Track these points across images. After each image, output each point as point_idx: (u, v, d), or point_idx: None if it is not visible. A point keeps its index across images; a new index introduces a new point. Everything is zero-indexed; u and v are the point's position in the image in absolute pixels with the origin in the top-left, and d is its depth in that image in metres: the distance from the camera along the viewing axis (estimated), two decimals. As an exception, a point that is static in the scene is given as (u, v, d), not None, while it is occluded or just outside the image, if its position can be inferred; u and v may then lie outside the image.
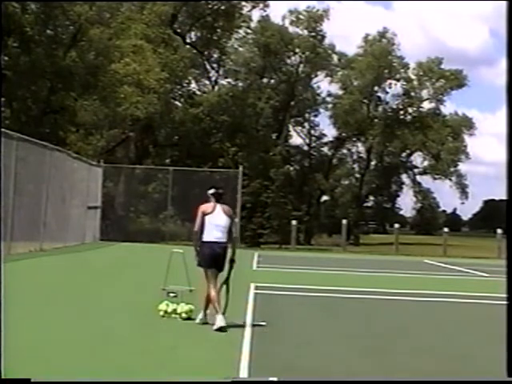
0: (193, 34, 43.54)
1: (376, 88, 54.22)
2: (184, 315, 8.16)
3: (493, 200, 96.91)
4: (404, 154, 58.00)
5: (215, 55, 45.70)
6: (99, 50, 30.00)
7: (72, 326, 7.54)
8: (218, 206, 7.92)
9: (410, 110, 55.25)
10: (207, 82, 46.91)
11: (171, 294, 8.65)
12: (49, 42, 29.45)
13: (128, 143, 38.29)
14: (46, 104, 29.51)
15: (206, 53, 43.95)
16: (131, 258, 20.08)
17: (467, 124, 55.87)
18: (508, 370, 5.01)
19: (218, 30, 41.81)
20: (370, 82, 52.69)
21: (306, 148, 56.48)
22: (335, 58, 53.64)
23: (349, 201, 57.76)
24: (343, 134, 55.42)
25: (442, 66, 54.15)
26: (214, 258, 7.80)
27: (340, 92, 54.71)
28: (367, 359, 6.54)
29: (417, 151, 56.92)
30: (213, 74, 47.23)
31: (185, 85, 42.08)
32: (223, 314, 7.63)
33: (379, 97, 55.29)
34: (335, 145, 56.26)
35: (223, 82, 47.26)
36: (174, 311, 8.24)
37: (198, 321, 7.91)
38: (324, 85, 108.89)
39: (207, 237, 7.81)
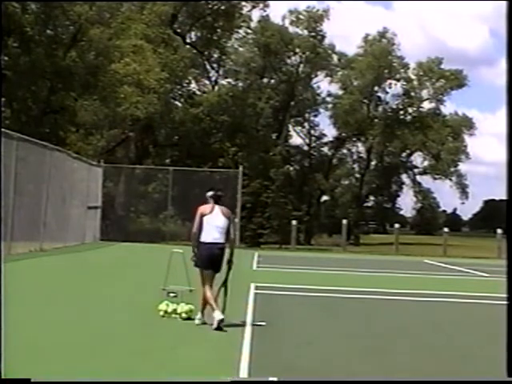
0: (193, 33, 43.56)
1: (376, 88, 54.25)
2: (184, 315, 8.16)
3: (493, 200, 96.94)
4: (404, 154, 58.02)
5: (215, 55, 45.69)
6: (99, 50, 30.00)
7: (72, 326, 7.54)
8: (217, 207, 7.94)
9: (410, 110, 55.27)
10: (207, 82, 46.94)
11: (171, 294, 8.65)
12: (49, 42, 29.45)
13: (128, 143, 38.29)
14: (46, 104, 29.51)
15: (206, 53, 43.94)
16: (131, 258, 20.08)
17: (467, 124, 55.89)
18: (508, 369, 5.01)
19: (218, 30, 41.81)
20: (370, 81, 52.70)
21: (306, 148, 56.53)
22: (335, 58, 53.68)
23: (349, 201, 57.78)
24: (343, 134, 55.43)
25: (442, 66, 54.23)
26: (211, 259, 7.82)
27: (340, 92, 54.76)
28: (367, 359, 6.54)
29: (417, 151, 56.95)
30: (213, 74, 47.30)
31: (185, 85, 42.08)
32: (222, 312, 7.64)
33: (379, 97, 55.35)
34: (335, 145, 56.27)
35: (223, 82, 47.31)
36: (174, 311, 8.24)
37: (197, 321, 7.91)
38: (324, 85, 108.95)
39: (205, 237, 7.83)
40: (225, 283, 7.94)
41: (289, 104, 51.29)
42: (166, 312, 8.25)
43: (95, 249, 22.38)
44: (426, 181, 60.53)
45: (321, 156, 56.82)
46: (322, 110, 55.77)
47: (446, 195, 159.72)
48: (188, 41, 42.42)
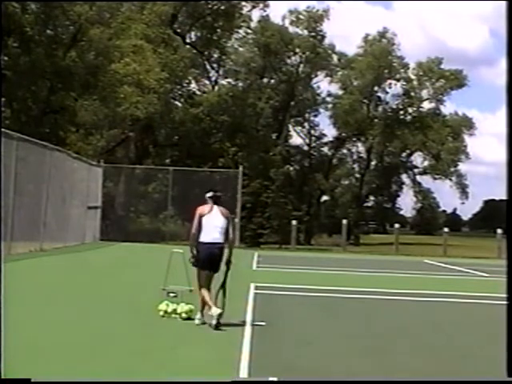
0: (193, 33, 43.56)
1: (376, 88, 54.26)
2: (184, 315, 8.16)
3: (493, 200, 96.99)
4: (404, 154, 58.02)
5: (215, 55, 45.69)
6: (99, 50, 30.00)
7: (72, 326, 7.54)
8: (216, 208, 7.98)
9: (410, 110, 55.28)
10: (207, 82, 46.94)
11: (171, 294, 8.65)
12: (49, 41, 29.45)
13: (128, 143, 38.29)
14: (45, 104, 29.51)
15: (206, 53, 43.94)
16: (131, 258, 20.08)
17: (467, 124, 55.90)
18: (508, 369, 5.01)
19: (218, 30, 41.81)
20: (370, 81, 52.71)
21: (306, 148, 56.55)
22: (335, 58, 53.69)
23: (349, 201, 57.79)
24: (343, 134, 55.44)
25: (442, 66, 54.24)
26: (210, 259, 7.83)
27: (340, 92, 54.77)
28: (367, 359, 6.54)
29: (417, 151, 56.96)
30: (213, 73, 47.31)
31: (185, 85, 42.07)
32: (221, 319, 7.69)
33: (379, 97, 55.36)
34: (335, 145, 56.28)
35: (223, 82, 47.32)
36: (174, 311, 8.24)
37: (197, 321, 7.92)
38: (324, 85, 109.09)
39: (205, 237, 7.84)
40: (223, 284, 7.95)
41: (289, 104, 51.29)
42: (165, 312, 8.25)
43: (95, 249, 22.38)
44: (426, 181, 60.64)
45: (321, 156, 56.82)
46: (322, 110, 55.88)
47: (445, 195, 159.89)
48: (188, 41, 42.42)
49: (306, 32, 50.36)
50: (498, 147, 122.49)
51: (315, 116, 56.42)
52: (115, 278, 13.37)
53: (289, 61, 51.68)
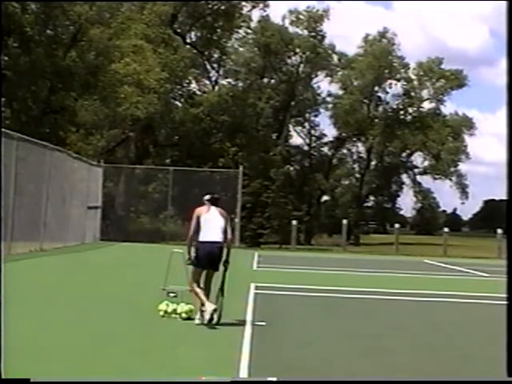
0: (193, 33, 43.54)
1: (376, 88, 54.25)
2: (184, 315, 8.16)
3: (493, 200, 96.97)
4: (404, 154, 58.01)
5: (215, 55, 45.68)
6: (99, 50, 30.00)
7: (72, 326, 7.54)
8: (213, 208, 8.04)
9: (410, 109, 55.27)
10: (207, 82, 46.94)
11: (171, 294, 8.65)
12: (49, 41, 29.45)
13: (128, 143, 38.29)
14: (46, 104, 29.51)
15: (206, 53, 43.93)
16: (131, 258, 20.09)
17: (467, 124, 55.89)
18: (508, 370, 5.01)
19: (218, 30, 41.80)
20: (370, 81, 52.71)
21: (306, 148, 56.54)
22: (335, 57, 53.68)
23: (349, 201, 57.79)
24: (343, 134, 55.43)
25: (442, 66, 54.22)
26: (210, 258, 7.86)
27: (340, 92, 54.76)
28: (367, 359, 6.54)
29: (417, 151, 56.94)
30: (213, 73, 47.30)
31: (185, 85, 42.07)
32: (218, 319, 7.76)
33: (379, 97, 55.35)
34: (335, 145, 56.28)
35: (223, 82, 47.32)
36: (174, 311, 8.24)
37: (197, 321, 7.92)
38: (324, 85, 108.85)
39: (204, 237, 7.87)
40: (222, 284, 7.98)
41: (289, 104, 51.29)
42: (165, 312, 8.25)
43: (95, 249, 22.38)
44: (426, 181, 60.62)
45: (321, 156, 56.82)
46: (322, 110, 55.86)
47: (445, 195, 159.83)
48: (188, 41, 42.41)
49: (306, 32, 50.36)
50: (498, 147, 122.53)
51: (315, 116, 56.49)
52: (115, 278, 13.37)
53: (289, 61, 51.68)
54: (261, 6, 43.89)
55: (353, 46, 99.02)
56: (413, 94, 54.82)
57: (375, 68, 51.66)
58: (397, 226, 31.67)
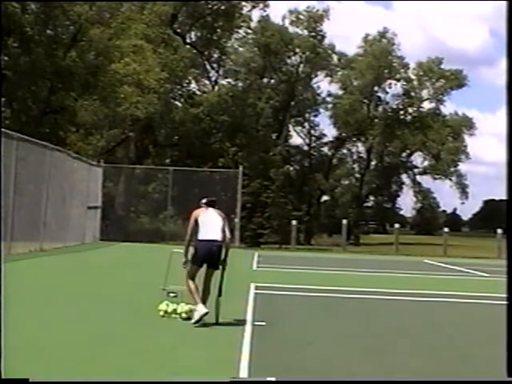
0: (193, 33, 43.56)
1: (376, 88, 54.26)
2: (184, 315, 8.15)
3: (493, 200, 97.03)
4: (404, 154, 58.03)
5: (215, 55, 45.69)
6: (99, 50, 30.00)
7: (72, 326, 7.54)
8: (211, 209, 8.13)
9: (410, 109, 55.29)
10: (207, 82, 46.95)
11: (171, 294, 8.64)
12: (49, 41, 29.44)
13: (128, 143, 38.29)
14: (46, 104, 29.51)
15: (206, 53, 43.94)
16: (131, 258, 20.09)
17: (467, 124, 55.91)
18: (508, 369, 5.01)
19: (218, 30, 41.81)
20: (370, 81, 52.72)
21: (306, 148, 56.55)
22: (335, 58, 53.70)
23: (349, 201, 57.79)
24: (343, 134, 55.44)
25: (442, 66, 54.25)
26: (209, 256, 7.89)
27: (340, 92, 54.78)
28: (367, 359, 6.54)
29: (417, 151, 56.97)
30: (213, 73, 47.31)
31: (185, 85, 42.08)
32: (216, 320, 7.80)
33: (379, 97, 55.38)
34: (335, 145, 56.28)
35: (223, 82, 47.33)
36: (174, 311, 8.24)
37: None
38: (324, 85, 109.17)
39: (203, 236, 7.92)
40: (220, 284, 7.99)
41: (289, 104, 51.29)
42: (165, 312, 8.25)
43: (95, 249, 22.38)
44: (426, 181, 60.67)
45: (321, 156, 56.83)
46: (322, 110, 55.89)
47: (445, 195, 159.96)
48: (188, 41, 42.42)
49: (305, 32, 50.37)
50: (498, 147, 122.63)
51: (315, 116, 56.52)
52: (115, 278, 13.37)
53: (289, 61, 51.69)
54: (261, 5, 43.93)
55: (353, 46, 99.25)
56: (413, 94, 54.83)
57: (375, 68, 51.67)
58: (397, 225, 31.66)
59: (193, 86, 44.07)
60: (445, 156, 54.19)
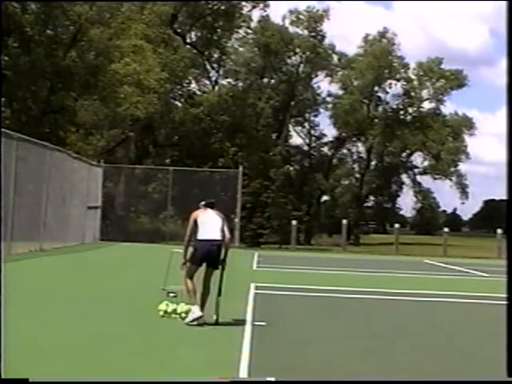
0: (193, 33, 43.55)
1: (376, 88, 54.26)
2: (184, 315, 8.15)
3: (493, 200, 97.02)
4: (404, 154, 58.02)
5: (215, 55, 45.68)
6: (99, 50, 30.00)
7: (72, 326, 7.54)
8: (210, 210, 8.15)
9: (410, 109, 55.28)
10: (207, 82, 46.94)
11: (171, 294, 8.64)
12: (49, 41, 29.44)
13: (128, 143, 38.29)
14: (46, 104, 29.51)
15: (206, 53, 43.93)
16: (131, 258, 20.09)
17: (467, 124, 55.90)
18: (508, 369, 5.01)
19: (218, 30, 41.80)
20: (370, 81, 52.71)
21: (306, 148, 56.54)
22: (335, 57, 53.69)
23: (349, 201, 57.79)
24: (343, 134, 55.44)
25: (442, 66, 54.24)
26: (208, 256, 7.89)
27: (340, 92, 54.77)
28: (367, 359, 6.54)
29: (417, 151, 56.97)
30: (213, 73, 47.30)
31: (185, 85, 42.07)
32: (216, 319, 7.83)
33: (379, 97, 55.36)
34: (335, 145, 56.28)
35: (223, 82, 47.32)
36: (174, 311, 8.24)
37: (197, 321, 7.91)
38: (324, 85, 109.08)
39: (202, 235, 7.93)
40: (220, 284, 8.00)
41: (289, 104, 51.29)
42: (165, 312, 8.25)
43: (95, 249, 22.38)
44: (426, 181, 60.65)
45: (321, 156, 56.82)
46: (322, 110, 55.87)
47: (445, 195, 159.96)
48: (188, 41, 42.41)
49: (306, 32, 50.36)
50: (498, 147, 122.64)
51: (315, 116, 56.50)
52: (115, 278, 13.38)
53: (289, 61, 51.68)
54: (261, 5, 43.91)
55: (353, 45, 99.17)
56: (413, 93, 54.83)
57: (375, 68, 51.66)
58: (397, 226, 31.66)
59: (193, 85, 44.13)
60: (445, 156, 54.19)
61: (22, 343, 6.38)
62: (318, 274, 16.73)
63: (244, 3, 41.92)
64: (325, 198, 60.02)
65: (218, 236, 7.93)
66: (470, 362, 6.75)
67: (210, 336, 7.31)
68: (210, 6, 40.65)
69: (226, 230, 8.06)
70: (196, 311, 7.80)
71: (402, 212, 76.25)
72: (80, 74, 29.33)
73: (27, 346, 6.34)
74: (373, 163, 57.79)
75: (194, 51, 42.14)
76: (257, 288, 11.73)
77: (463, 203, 63.49)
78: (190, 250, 8.08)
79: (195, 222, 8.01)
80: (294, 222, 29.69)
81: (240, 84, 47.53)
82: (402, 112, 55.11)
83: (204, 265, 8.00)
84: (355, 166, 59.16)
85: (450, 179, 56.80)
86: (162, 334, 7.41)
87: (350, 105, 52.07)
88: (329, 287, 12.54)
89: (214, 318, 7.86)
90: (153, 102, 31.03)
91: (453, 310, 10.78)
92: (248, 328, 7.69)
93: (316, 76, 53.36)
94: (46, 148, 19.61)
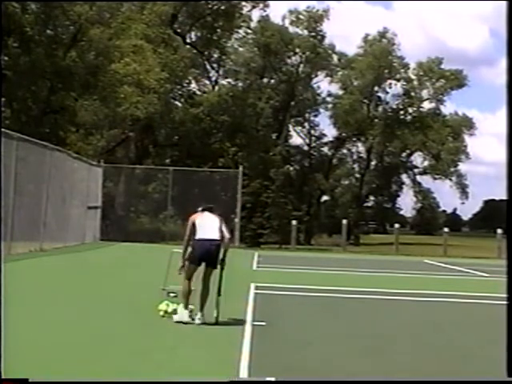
0: (193, 33, 43.55)
1: (376, 88, 54.24)
2: (186, 315, 8.16)
3: (493, 200, 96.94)
4: (404, 154, 58.00)
5: (215, 55, 45.69)
6: (99, 50, 30.01)
7: (72, 326, 7.54)
8: (207, 213, 8.19)
9: (410, 109, 55.27)
10: (207, 82, 46.95)
11: (171, 294, 8.65)
12: (49, 41, 29.45)
13: (128, 143, 38.29)
14: (46, 104, 29.51)
15: (206, 53, 43.94)
16: (131, 258, 20.09)
17: (467, 124, 55.89)
18: (508, 369, 5.01)
19: (218, 30, 41.80)
20: (370, 81, 52.70)
21: (306, 148, 56.53)
22: (335, 57, 53.67)
23: (349, 201, 57.76)
24: (343, 134, 55.43)
25: (442, 66, 54.22)
26: (207, 255, 7.91)
27: (340, 92, 54.76)
28: (367, 359, 6.54)
29: (417, 151, 56.94)
30: (213, 73, 47.31)
31: (185, 85, 42.09)
32: (216, 319, 7.87)
33: (379, 97, 55.35)
34: (335, 145, 56.27)
35: (223, 82, 47.32)
36: (174, 311, 8.23)
37: (197, 321, 7.91)
38: (324, 85, 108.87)
39: (200, 235, 7.96)
40: (219, 284, 8.01)
41: (289, 104, 51.28)
42: (165, 312, 8.25)
43: (95, 249, 22.38)
44: (426, 181, 60.60)
45: (321, 156, 56.82)
46: (322, 110, 55.84)
47: (445, 195, 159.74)
48: (188, 41, 42.41)
49: (306, 32, 50.35)
50: (498, 147, 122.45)
51: (315, 116, 56.47)
52: (115, 278, 13.38)
53: (289, 61, 51.67)
54: (261, 5, 43.92)
55: (353, 46, 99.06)
56: (413, 93, 54.82)
57: (375, 68, 51.65)
58: (397, 226, 31.65)
59: (193, 85, 44.14)
60: (445, 156, 54.17)
61: (22, 343, 6.38)
62: (317, 274, 16.73)
63: (244, 3, 41.93)
64: (325, 197, 60.07)
65: (216, 236, 7.96)
66: (470, 362, 6.75)
67: (210, 336, 7.31)
68: (209, 6, 40.65)
69: (224, 229, 8.09)
70: (183, 315, 7.90)
71: (402, 212, 76.26)
72: (80, 74, 29.34)
73: (27, 346, 6.34)
74: (373, 163, 57.79)
75: (194, 51, 42.14)
76: (257, 288, 11.73)
77: (463, 203, 63.42)
78: (189, 250, 8.09)
79: (193, 224, 8.04)
80: (294, 222, 29.68)
81: (240, 84, 47.53)
82: (402, 112, 55.10)
83: (203, 265, 8.02)
84: (355, 166, 59.18)
85: (450, 179, 56.81)
86: (162, 333, 7.41)
87: (350, 105, 52.06)
88: (329, 287, 12.54)
89: (215, 315, 7.85)
90: (153, 102, 31.04)
91: (453, 310, 10.78)
92: (248, 328, 7.69)
93: (316, 76, 53.39)
94: (46, 148, 19.61)
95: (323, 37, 50.56)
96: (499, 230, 28.23)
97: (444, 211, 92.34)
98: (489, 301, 11.61)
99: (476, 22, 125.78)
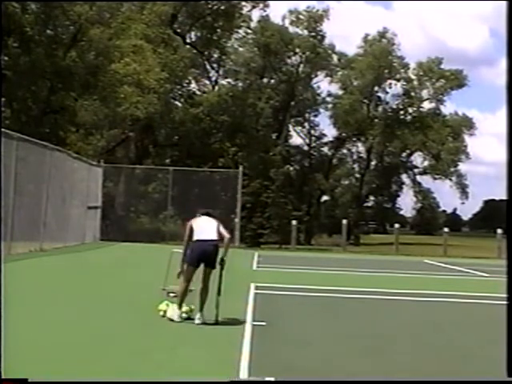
0: (193, 33, 43.57)
1: (376, 88, 54.27)
2: (184, 315, 8.15)
3: (493, 200, 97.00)
4: (404, 154, 58.03)
5: (215, 55, 45.71)
6: (99, 50, 30.00)
7: (72, 326, 7.54)
8: (204, 216, 8.25)
9: (410, 109, 55.29)
10: (207, 82, 46.96)
11: (171, 294, 8.65)
12: (49, 42, 29.45)
13: (128, 143, 38.30)
14: (46, 104, 29.51)
15: (206, 53, 43.96)
16: (131, 258, 20.08)
17: (467, 124, 55.92)
18: (508, 370, 5.01)
19: (218, 30, 41.82)
20: (370, 81, 52.72)
21: (306, 148, 56.56)
22: (335, 58, 53.71)
23: (349, 201, 57.79)
24: (343, 134, 55.45)
25: (442, 66, 54.26)
26: (204, 256, 7.93)
27: (340, 92, 54.79)
28: (367, 359, 6.54)
29: (417, 151, 56.98)
30: (213, 73, 47.33)
31: (185, 85, 42.10)
32: (215, 319, 7.87)
33: (379, 97, 55.38)
34: (335, 145, 56.29)
35: (223, 82, 47.35)
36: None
37: (197, 321, 7.91)
38: (324, 85, 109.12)
39: (198, 236, 8.00)
40: (219, 283, 8.01)
41: (289, 104, 51.29)
42: (166, 312, 8.25)
43: (95, 249, 22.37)
44: (426, 181, 60.65)
45: (321, 156, 56.84)
46: (322, 110, 55.91)
47: (445, 195, 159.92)
48: (188, 41, 42.43)
49: (306, 32, 50.38)
50: (498, 147, 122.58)
51: (315, 116, 56.53)
52: (115, 278, 13.37)
53: (289, 61, 51.69)
54: (261, 5, 43.95)
55: (353, 46, 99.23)
56: (413, 93, 54.84)
57: (375, 68, 51.67)
58: (397, 226, 31.63)
59: (193, 86, 44.16)
60: (445, 156, 54.19)
61: (22, 343, 6.38)
62: (318, 274, 16.72)
63: (244, 3, 41.95)
64: (325, 198, 60.10)
65: (213, 236, 7.99)
66: (470, 362, 6.75)
67: (210, 336, 7.30)
68: (209, 6, 40.67)
69: (222, 230, 8.11)
70: (175, 314, 7.97)
71: (402, 212, 76.30)
72: (80, 74, 29.34)
73: (27, 346, 6.34)
74: (373, 163, 57.82)
75: (194, 51, 42.16)
76: (257, 288, 11.72)
77: (463, 203, 63.55)
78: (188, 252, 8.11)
79: (191, 228, 8.08)
80: (294, 222, 29.68)
81: (240, 84, 47.54)
82: (401, 112, 55.12)
83: (202, 265, 8.02)
84: (355, 166, 59.22)
85: (450, 179, 56.84)
86: (162, 333, 7.41)
87: (349, 105, 52.08)
88: (329, 287, 12.53)
89: (215, 315, 7.85)
90: (153, 102, 31.04)
91: (453, 310, 10.78)
92: (248, 328, 7.69)
93: (316, 76, 53.42)
94: (46, 148, 19.60)
95: (323, 37, 50.65)
96: (499, 230, 28.22)
97: (444, 211, 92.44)
98: (489, 301, 11.60)
99: (476, 22, 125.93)
